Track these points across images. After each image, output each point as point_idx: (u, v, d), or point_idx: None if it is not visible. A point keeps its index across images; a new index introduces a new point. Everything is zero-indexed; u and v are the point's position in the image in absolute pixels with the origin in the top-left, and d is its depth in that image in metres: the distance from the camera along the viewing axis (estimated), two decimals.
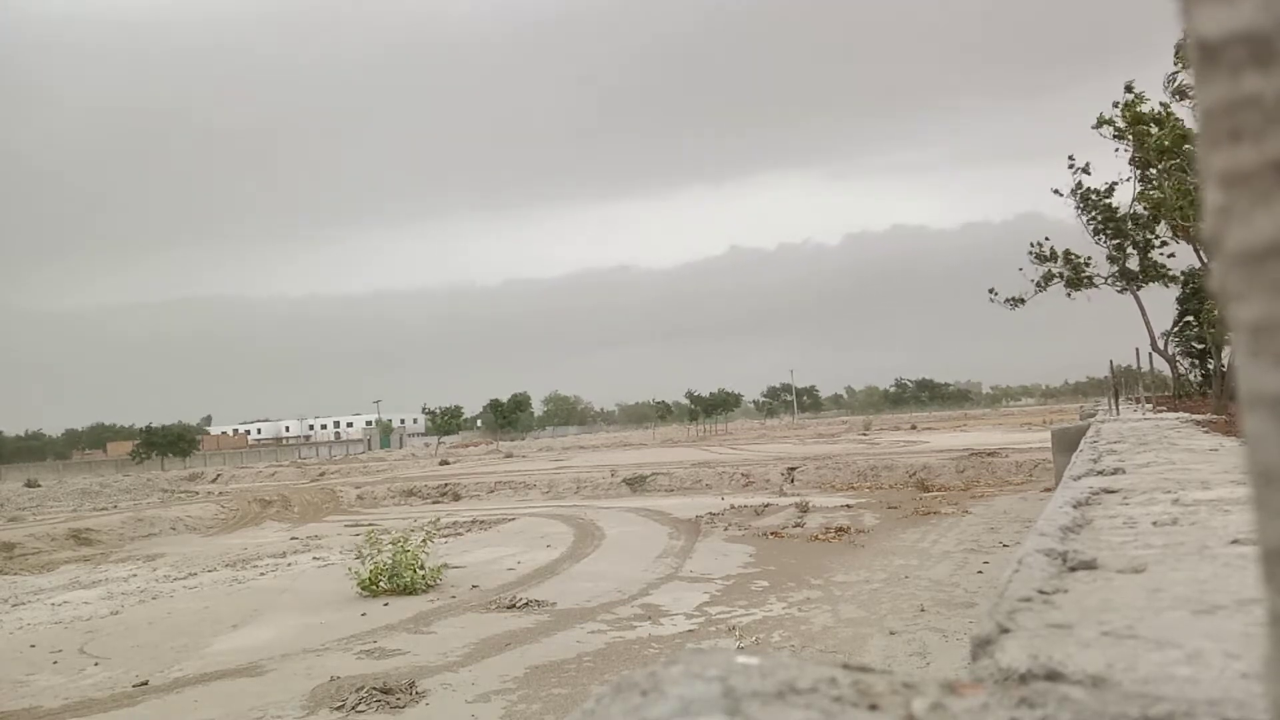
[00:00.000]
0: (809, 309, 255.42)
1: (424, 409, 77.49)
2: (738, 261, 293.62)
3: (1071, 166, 20.92)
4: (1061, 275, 22.31)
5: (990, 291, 23.26)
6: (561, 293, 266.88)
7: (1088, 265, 21.86)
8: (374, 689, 8.27)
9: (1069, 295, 22.16)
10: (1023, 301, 22.89)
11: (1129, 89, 18.65)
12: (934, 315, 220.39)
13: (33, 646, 11.44)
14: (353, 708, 7.94)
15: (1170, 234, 20.06)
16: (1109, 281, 21.64)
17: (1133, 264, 21.10)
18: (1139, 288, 21.00)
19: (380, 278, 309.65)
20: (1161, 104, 17.82)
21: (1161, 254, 21.05)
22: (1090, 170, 20.82)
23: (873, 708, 0.76)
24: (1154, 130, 17.90)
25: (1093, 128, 19.39)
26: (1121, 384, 21.02)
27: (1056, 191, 21.40)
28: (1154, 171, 18.92)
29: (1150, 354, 21.38)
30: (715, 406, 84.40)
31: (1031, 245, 22.53)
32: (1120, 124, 18.87)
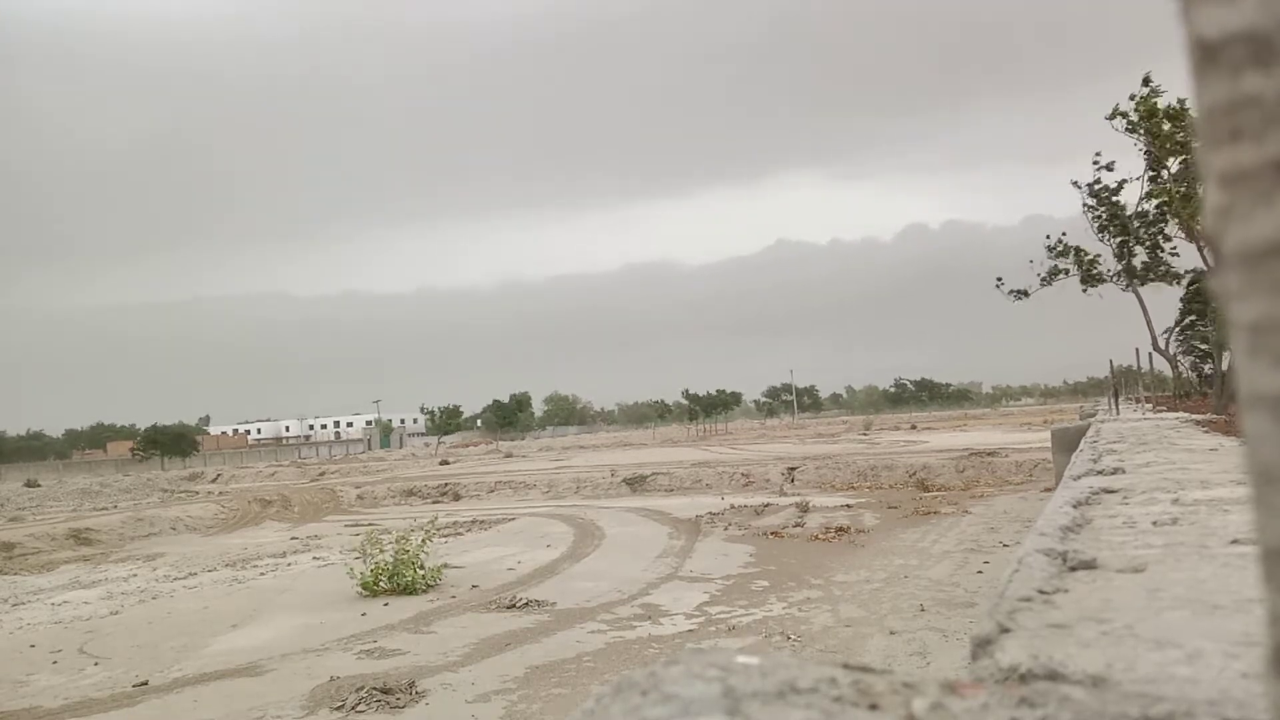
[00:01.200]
0: (808, 310, 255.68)
1: (423, 409, 77.46)
2: (738, 264, 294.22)
3: (1096, 163, 20.85)
4: (1067, 273, 22.32)
5: (998, 280, 23.27)
6: (553, 296, 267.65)
7: (1097, 263, 21.86)
8: (374, 689, 8.27)
9: (1084, 290, 22.11)
10: (1026, 294, 22.89)
11: (1146, 82, 18.61)
12: (934, 315, 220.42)
13: (33, 646, 11.43)
14: (352, 708, 7.94)
15: (1179, 232, 20.02)
16: (1114, 279, 21.64)
17: (1137, 261, 21.09)
18: (1144, 283, 20.99)
19: (382, 277, 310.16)
20: (1179, 100, 17.76)
21: (1167, 253, 21.06)
22: (1113, 168, 20.77)
23: (873, 707, 0.76)
24: (1166, 126, 17.88)
25: (1106, 118, 19.36)
26: (1121, 384, 21.03)
27: (1075, 183, 21.33)
28: (1166, 173, 18.93)
29: (1150, 354, 21.39)
30: (715, 406, 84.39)
31: (1048, 238, 22.53)
32: (1134, 117, 18.83)
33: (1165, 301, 22.56)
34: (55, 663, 10.47)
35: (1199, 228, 16.60)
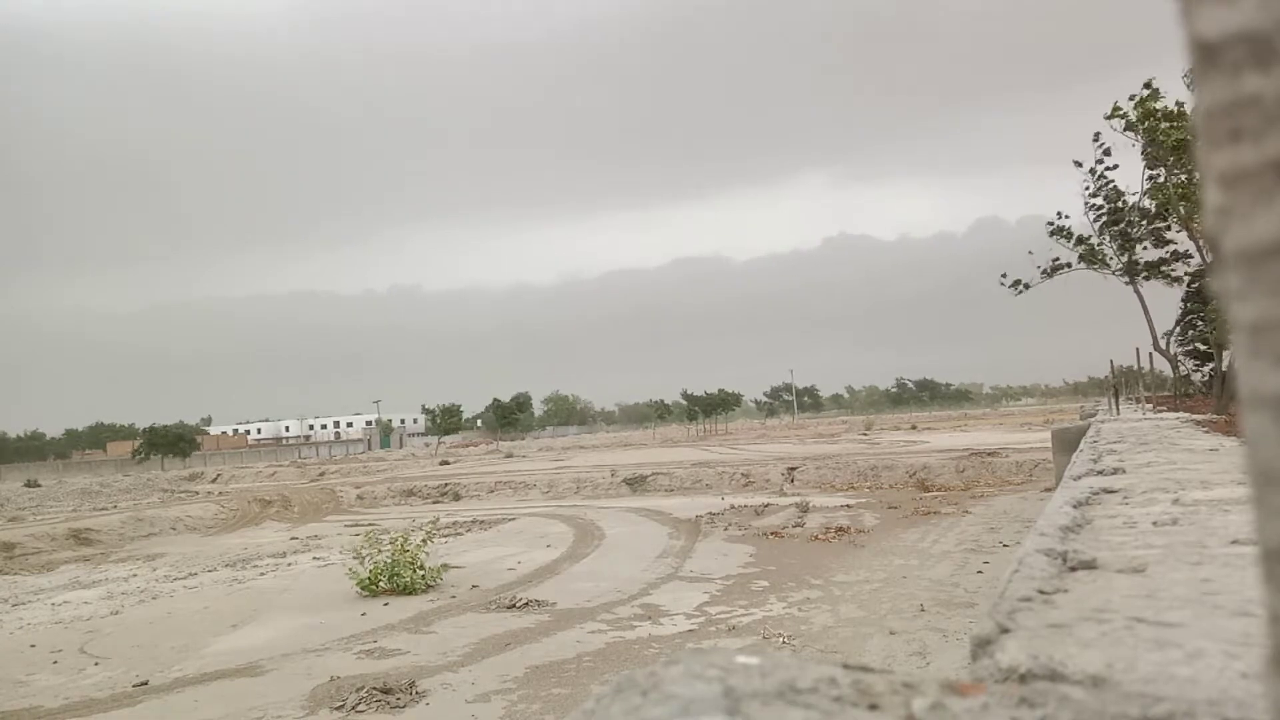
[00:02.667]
0: (809, 310, 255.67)
1: (424, 409, 77.42)
2: (736, 267, 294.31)
3: (1097, 141, 20.78)
4: (1070, 266, 22.28)
5: (1001, 276, 23.24)
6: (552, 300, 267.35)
7: (1098, 250, 21.81)
8: (374, 689, 8.27)
9: (1086, 267, 22.00)
10: (1027, 286, 22.85)
11: (1147, 85, 18.62)
12: (935, 315, 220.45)
13: (33, 646, 11.44)
14: (353, 708, 7.94)
15: (1181, 228, 19.98)
16: (1116, 273, 21.61)
17: (1138, 257, 21.07)
18: (1147, 278, 20.96)
19: (385, 277, 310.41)
20: (1179, 102, 17.78)
21: (1168, 251, 21.04)
22: (1110, 152, 20.71)
23: (873, 707, 0.76)
24: (1163, 126, 17.88)
25: (1105, 118, 19.36)
26: (1122, 384, 21.01)
27: (1078, 163, 21.26)
28: (1162, 171, 18.92)
29: (1151, 353, 21.37)
30: (715, 406, 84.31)
31: (1050, 224, 22.46)
32: (1132, 116, 18.83)
33: (1166, 301, 22.55)
34: (55, 662, 10.47)
35: (1198, 227, 16.61)
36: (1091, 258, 21.69)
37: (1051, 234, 22.27)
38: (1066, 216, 22.30)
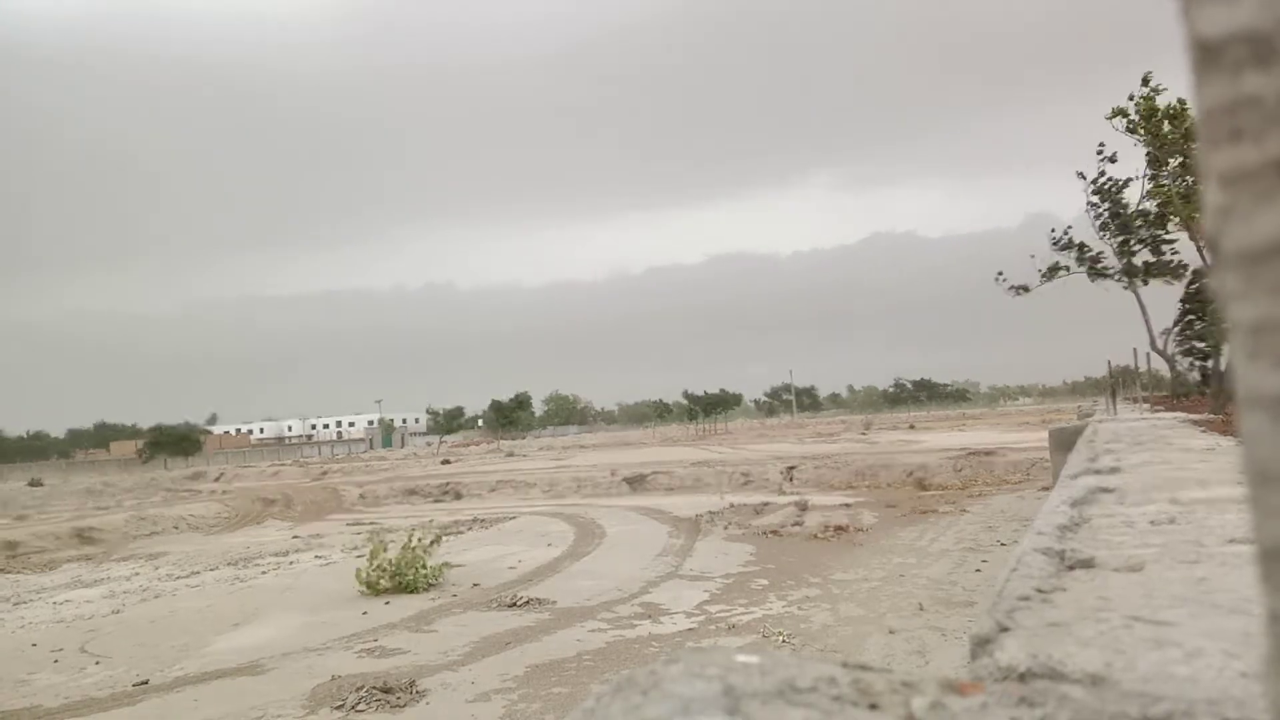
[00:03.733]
0: (809, 312, 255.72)
1: (427, 409, 77.44)
2: (735, 268, 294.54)
3: (1100, 153, 20.81)
4: (1068, 269, 22.29)
5: (998, 274, 23.24)
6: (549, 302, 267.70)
7: (1100, 258, 21.84)
8: (374, 688, 8.27)
9: (1092, 279, 22.07)
10: (1027, 289, 22.86)
11: (1145, 82, 18.56)
12: (934, 316, 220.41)
13: (34, 645, 11.44)
14: (353, 707, 7.94)
15: (1179, 230, 19.99)
16: (1115, 277, 21.62)
17: (1137, 260, 21.09)
18: (1145, 282, 20.99)
19: (388, 276, 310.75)
20: (1179, 100, 17.74)
21: (1168, 251, 21.04)
22: (1116, 159, 20.73)
23: (872, 707, 0.76)
24: (1167, 126, 17.86)
25: (1107, 118, 19.33)
26: (1119, 383, 21.01)
27: (1080, 174, 21.31)
28: (1165, 170, 18.91)
29: (1148, 353, 21.38)
30: (714, 406, 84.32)
31: (1052, 231, 22.51)
32: (1134, 116, 18.80)
33: (1164, 301, 22.56)
34: (56, 661, 10.47)
35: (1198, 227, 16.59)
36: (1094, 272, 21.75)
37: (1054, 246, 22.31)
38: (1070, 227, 22.38)
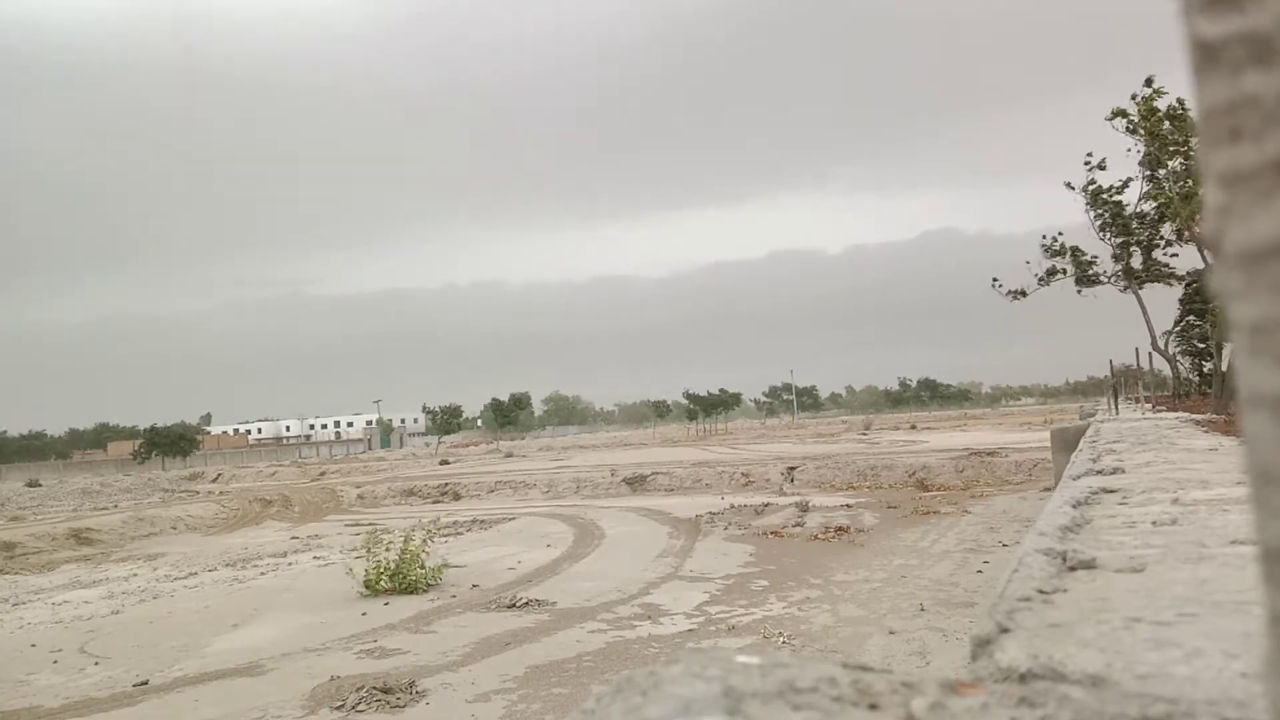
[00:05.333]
0: (810, 311, 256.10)
1: (424, 408, 77.42)
2: (737, 269, 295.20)
3: (1088, 164, 20.88)
4: (1065, 272, 22.33)
5: (994, 280, 23.27)
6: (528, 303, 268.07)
7: (1094, 264, 21.88)
8: (374, 688, 8.27)
9: (1078, 291, 22.17)
10: (1024, 294, 22.89)
11: (1148, 83, 18.53)
12: (934, 316, 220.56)
13: (33, 646, 11.44)
14: (353, 707, 7.94)
15: (1174, 235, 20.03)
16: (1112, 280, 21.64)
17: (1136, 262, 21.11)
18: (1141, 286, 21.01)
19: (387, 277, 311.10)
20: (1179, 100, 17.72)
21: (1165, 254, 21.06)
22: (1105, 166, 20.77)
23: (873, 707, 0.76)
24: (1166, 126, 17.83)
25: (1107, 119, 19.31)
26: (1121, 384, 21.03)
27: (1069, 185, 21.36)
28: (1163, 171, 18.89)
29: (1150, 354, 21.39)
30: (715, 406, 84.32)
31: (1043, 238, 22.57)
32: (1135, 118, 18.78)
33: (1165, 302, 22.59)
34: (56, 662, 10.47)
35: (1196, 229, 16.58)
36: (1085, 281, 21.80)
37: (1047, 253, 22.38)
38: (1060, 233, 22.45)
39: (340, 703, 8.06)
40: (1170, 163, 18.33)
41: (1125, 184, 20.76)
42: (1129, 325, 21.80)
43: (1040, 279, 22.53)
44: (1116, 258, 21.26)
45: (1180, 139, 17.25)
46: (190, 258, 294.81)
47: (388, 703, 8.01)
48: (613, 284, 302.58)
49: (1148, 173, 19.75)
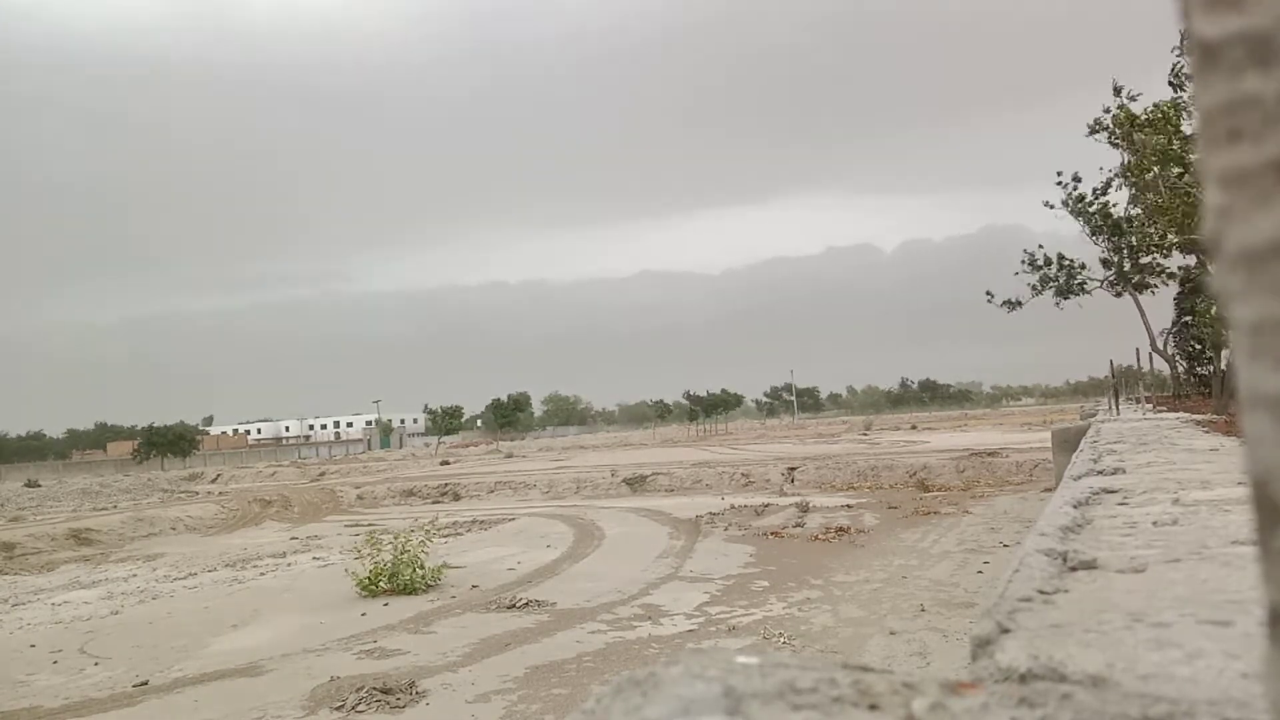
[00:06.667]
0: (810, 312, 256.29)
1: (425, 409, 77.39)
2: (737, 271, 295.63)
3: (1059, 181, 21.00)
4: (1055, 280, 22.40)
5: (987, 294, 23.31)
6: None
7: (1082, 270, 21.92)
8: (374, 689, 8.27)
9: (1058, 305, 22.30)
10: (1019, 304, 22.96)
11: (1117, 91, 18.44)
12: (933, 316, 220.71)
13: (33, 646, 11.43)
14: (353, 708, 7.94)
15: (1159, 239, 20.02)
16: (1103, 285, 21.68)
17: (1127, 266, 21.15)
18: (1140, 290, 21.04)
19: (389, 278, 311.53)
20: (1155, 104, 17.65)
21: (1157, 256, 21.07)
22: (1080, 179, 20.86)
23: (873, 707, 0.76)
24: (1146, 133, 17.78)
25: (1086, 135, 19.31)
26: (1121, 384, 21.02)
27: (1048, 204, 21.44)
28: (1149, 177, 18.86)
29: (1150, 354, 21.40)
30: (715, 406, 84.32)
31: (1025, 253, 22.66)
32: (1116, 131, 18.74)
33: (1164, 302, 22.61)
34: (55, 662, 10.47)
35: (1180, 236, 16.56)
36: (1067, 291, 21.86)
37: (1032, 268, 22.48)
38: (1040, 246, 22.52)
39: (340, 703, 8.06)
40: (1154, 170, 18.28)
41: (1107, 185, 20.78)
42: (1129, 326, 21.85)
43: (1033, 288, 22.65)
44: (1106, 263, 21.30)
45: (1159, 147, 17.09)
46: (200, 260, 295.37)
47: (387, 703, 8.01)
48: (595, 284, 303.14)
49: (1132, 178, 19.76)
